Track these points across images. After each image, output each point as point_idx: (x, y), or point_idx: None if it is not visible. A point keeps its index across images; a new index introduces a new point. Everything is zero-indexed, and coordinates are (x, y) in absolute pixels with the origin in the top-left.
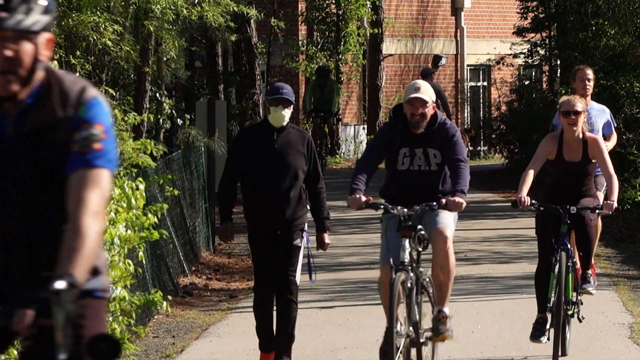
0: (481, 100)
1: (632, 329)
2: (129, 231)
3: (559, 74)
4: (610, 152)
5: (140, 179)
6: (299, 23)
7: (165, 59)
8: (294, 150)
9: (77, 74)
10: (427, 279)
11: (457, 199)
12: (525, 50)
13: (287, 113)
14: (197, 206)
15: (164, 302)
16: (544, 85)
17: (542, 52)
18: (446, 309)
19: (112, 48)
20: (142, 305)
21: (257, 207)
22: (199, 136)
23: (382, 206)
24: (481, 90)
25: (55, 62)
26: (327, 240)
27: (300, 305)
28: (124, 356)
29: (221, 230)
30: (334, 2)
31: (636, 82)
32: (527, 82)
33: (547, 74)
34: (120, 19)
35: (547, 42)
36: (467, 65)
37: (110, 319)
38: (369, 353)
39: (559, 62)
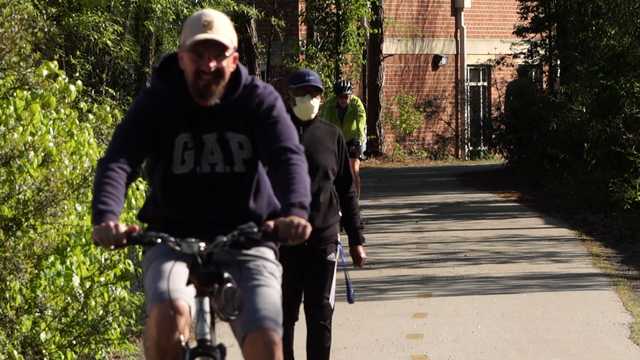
0: (481, 100)
1: (632, 329)
2: None
3: (559, 74)
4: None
5: (140, 179)
6: (299, 23)
7: None
8: (323, 148)
9: (77, 74)
10: None
11: (296, 219)
12: (525, 50)
13: (315, 103)
14: None
15: None
16: (544, 85)
17: (542, 52)
18: None
19: (112, 48)
20: (142, 305)
21: None
22: None
23: (158, 240)
24: (481, 90)
25: (56, 62)
26: (363, 255)
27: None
28: (124, 356)
29: None
30: (334, 2)
31: (636, 82)
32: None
33: (547, 74)
34: (121, 19)
35: (547, 42)
36: (467, 65)
37: (110, 319)
38: (368, 353)
39: (559, 62)
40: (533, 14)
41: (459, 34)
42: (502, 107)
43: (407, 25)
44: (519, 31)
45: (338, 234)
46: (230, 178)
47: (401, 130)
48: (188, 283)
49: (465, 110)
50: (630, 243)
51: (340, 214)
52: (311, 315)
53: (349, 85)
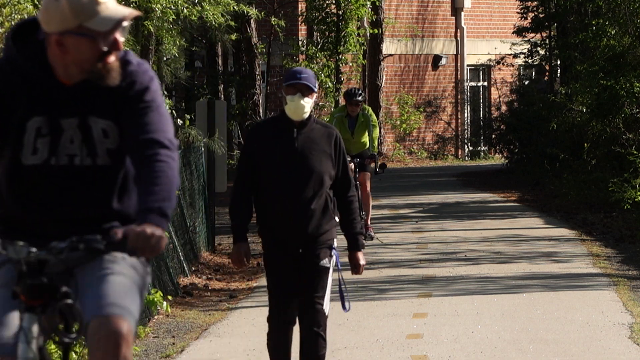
0: (481, 100)
1: (632, 329)
2: None
3: (559, 74)
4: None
5: None
6: (299, 23)
7: (165, 58)
8: (318, 151)
9: None
10: None
11: (149, 228)
12: (526, 50)
13: (307, 102)
14: (197, 206)
15: (164, 302)
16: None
17: (542, 52)
18: None
19: None
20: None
21: (274, 220)
22: (199, 136)
23: None
24: (481, 90)
25: None
26: (362, 261)
27: None
28: None
29: (234, 254)
30: (334, 2)
31: (636, 82)
32: (527, 82)
33: (547, 74)
34: None
35: (547, 42)
36: (467, 65)
37: None
38: (368, 353)
39: (559, 62)
40: (533, 14)
41: (459, 34)
42: (504, 107)
43: (407, 25)
44: (519, 31)
45: (334, 239)
46: (92, 172)
47: (401, 130)
48: (14, 296)
49: (465, 110)
50: (630, 243)
51: (336, 219)
52: (305, 322)
53: (360, 92)
